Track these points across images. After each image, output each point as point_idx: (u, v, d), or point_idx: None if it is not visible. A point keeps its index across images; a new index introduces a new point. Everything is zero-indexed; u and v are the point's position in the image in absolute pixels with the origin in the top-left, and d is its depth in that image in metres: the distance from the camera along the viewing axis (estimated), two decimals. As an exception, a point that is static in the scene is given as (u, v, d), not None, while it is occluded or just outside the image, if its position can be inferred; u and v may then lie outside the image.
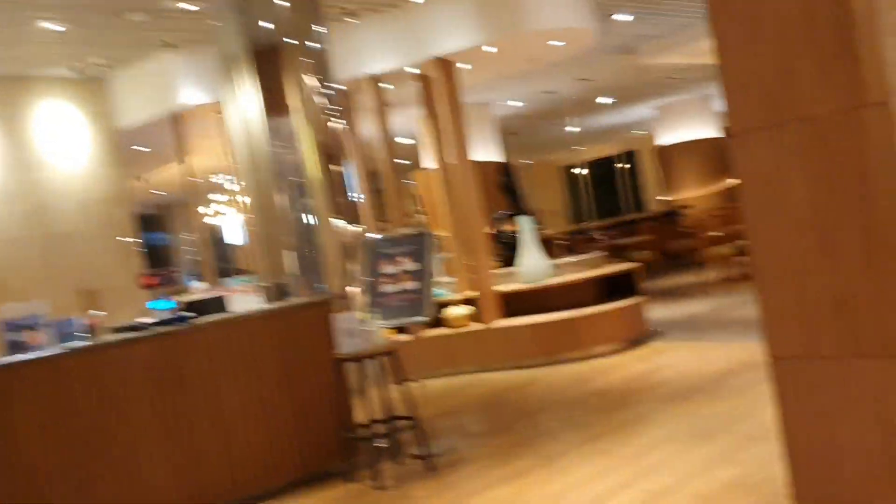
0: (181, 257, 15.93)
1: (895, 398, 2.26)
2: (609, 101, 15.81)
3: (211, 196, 12.00)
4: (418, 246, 4.80)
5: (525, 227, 7.62)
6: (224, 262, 12.64)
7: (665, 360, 6.34)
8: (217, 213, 12.42)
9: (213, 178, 11.06)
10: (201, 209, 10.87)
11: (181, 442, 4.08)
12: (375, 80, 7.97)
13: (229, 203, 11.03)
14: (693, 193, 17.36)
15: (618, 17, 9.02)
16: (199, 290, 8.14)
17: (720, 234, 11.23)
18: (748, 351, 6.00)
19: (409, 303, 4.81)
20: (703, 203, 16.83)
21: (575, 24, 7.47)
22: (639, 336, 7.30)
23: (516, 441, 4.76)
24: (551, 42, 7.80)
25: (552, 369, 6.74)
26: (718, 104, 18.38)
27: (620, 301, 7.30)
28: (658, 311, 9.00)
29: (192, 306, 4.53)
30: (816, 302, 2.36)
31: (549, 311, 7.35)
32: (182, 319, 4.24)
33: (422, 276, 4.77)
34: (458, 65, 7.72)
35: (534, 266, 7.46)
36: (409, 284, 4.82)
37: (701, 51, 11.70)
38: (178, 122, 8.17)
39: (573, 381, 6.16)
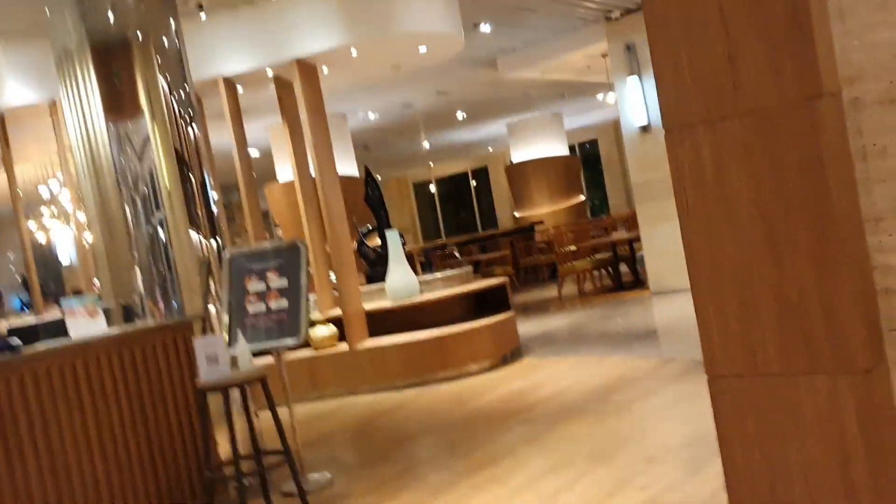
0: (5, 277, 14.40)
1: (849, 417, 2.08)
2: (463, 115, 15.80)
3: (42, 208, 10.85)
4: (289, 260, 4.33)
5: (392, 243, 7.27)
6: (58, 281, 11.45)
7: (541, 376, 6.16)
8: (48, 226, 11.24)
9: (45, 188, 9.97)
10: (31, 223, 9.78)
11: (7, 490, 3.41)
12: (230, 82, 7.39)
13: (64, 216, 9.99)
14: (545, 210, 17.65)
15: (483, 27, 8.90)
16: (28, 313, 7.19)
17: (574, 248, 11.35)
18: (623, 365, 5.93)
19: (279, 323, 4.33)
20: (555, 219, 17.16)
21: (444, 29, 7.23)
22: (511, 352, 7.11)
23: (396, 472, 4.38)
24: (420, 47, 7.53)
25: (425, 390, 6.42)
26: (568, 122, 18.86)
27: (491, 317, 7.09)
28: (521, 327, 8.90)
29: (21, 332, 3.86)
30: (761, 313, 2.15)
31: (419, 329, 7.03)
32: (8, 347, 3.57)
33: (293, 293, 4.30)
34: (321, 68, 7.30)
35: (402, 283, 7.11)
36: (279, 303, 4.35)
37: (555, 67, 11.86)
38: (1, 123, 7.23)
39: (449, 402, 5.86)
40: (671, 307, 8.49)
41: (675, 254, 8.57)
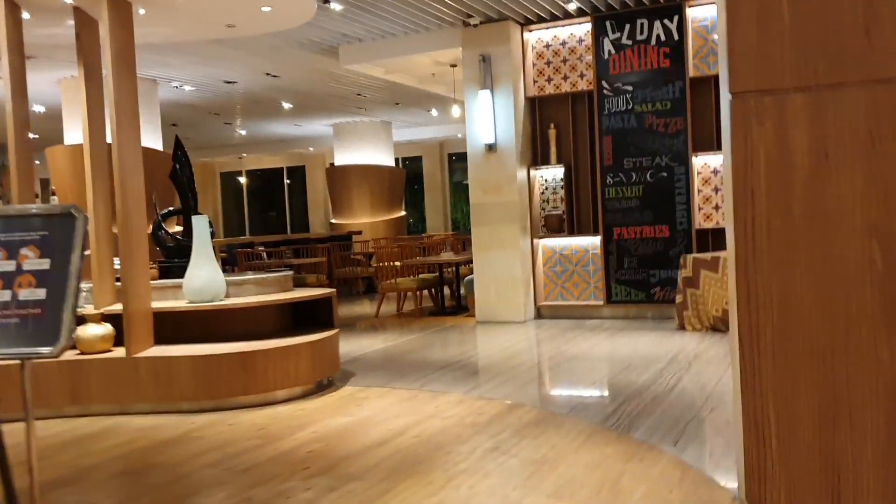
0: None
1: None
2: (289, 106, 14.52)
3: None
4: (58, 233, 3.03)
5: (199, 231, 5.98)
6: None
7: (367, 412, 5.14)
8: None
9: None
10: None
11: None
12: (12, 3, 5.80)
13: None
14: (364, 220, 16.70)
15: (333, 4, 7.82)
16: None
17: (397, 264, 10.47)
18: (464, 406, 5.05)
19: (29, 322, 3.02)
20: (374, 231, 16.24)
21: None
22: (328, 378, 6.04)
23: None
24: (263, 7, 6.33)
25: (220, 418, 5.20)
26: (395, 134, 18.04)
27: (312, 334, 5.99)
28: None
29: None
30: (858, 436, 1.30)
31: (220, 340, 5.79)
32: None
33: (57, 280, 3.02)
34: (136, 8, 5.91)
35: (205, 281, 5.84)
36: (33, 293, 3.04)
37: (400, 67, 10.98)
38: None
39: (252, 438, 4.69)
40: (501, 340, 7.78)
41: (506, 283, 7.80)
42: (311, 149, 21.23)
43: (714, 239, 8.42)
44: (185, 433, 4.86)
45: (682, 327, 7.73)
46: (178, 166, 6.65)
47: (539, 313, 9.16)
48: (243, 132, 18.23)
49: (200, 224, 6.01)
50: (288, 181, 23.37)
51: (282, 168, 23.25)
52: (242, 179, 23.88)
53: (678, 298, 7.79)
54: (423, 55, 9.99)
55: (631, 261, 8.70)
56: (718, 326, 7.46)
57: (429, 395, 5.51)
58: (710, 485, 3.49)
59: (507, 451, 4.12)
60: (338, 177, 17.01)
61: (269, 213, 23.79)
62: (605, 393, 5.37)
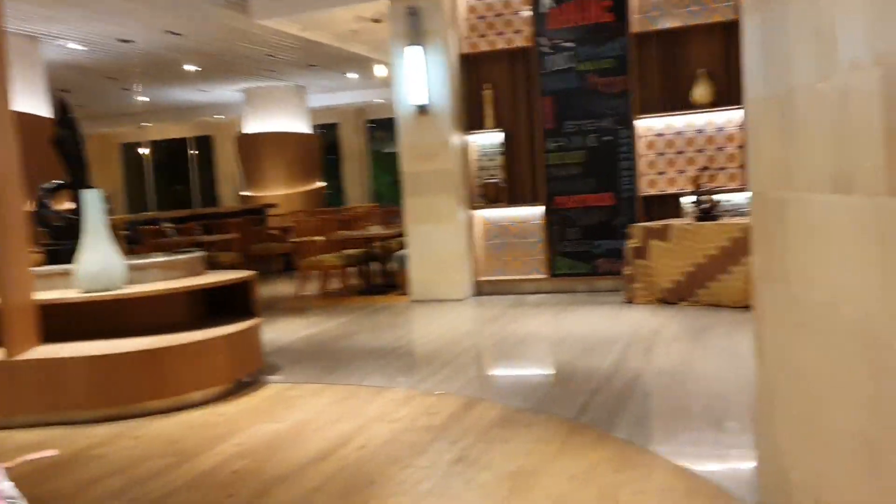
0: None
1: None
2: (194, 68, 13.37)
3: None
4: None
5: (91, 208, 5.06)
6: None
7: (298, 415, 4.41)
8: None
9: None
10: None
11: None
12: None
13: None
14: (279, 192, 15.72)
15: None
16: None
17: (322, 240, 9.66)
18: (415, 404, 4.37)
19: None
20: (290, 204, 15.32)
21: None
22: (251, 374, 5.26)
23: None
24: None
25: (125, 428, 4.37)
26: (310, 100, 17.04)
27: (229, 325, 5.19)
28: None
29: None
30: None
31: (121, 335, 4.93)
32: None
33: None
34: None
35: (101, 266, 4.96)
36: None
37: (318, 23, 10.07)
38: None
39: (164, 454, 3.90)
40: (441, 322, 7.12)
41: (442, 259, 7.10)
42: (219, 116, 19.97)
43: (660, 206, 7.94)
44: (80, 451, 4.02)
45: (630, 301, 7.23)
46: (62, 132, 5.67)
47: (478, 290, 8.54)
48: (145, 99, 16.89)
49: (91, 200, 5.09)
50: (195, 152, 22.02)
51: (187, 138, 21.89)
52: (145, 151, 22.39)
53: (626, 270, 7.29)
54: (345, 9, 9.14)
55: (574, 231, 8.14)
56: (668, 299, 7.00)
57: (370, 392, 4.80)
58: (728, 499, 2.92)
59: (475, 461, 3.47)
60: (249, 145, 15.95)
61: (176, 186, 22.40)
62: (570, 381, 4.78)
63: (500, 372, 5.32)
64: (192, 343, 4.80)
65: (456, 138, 8.31)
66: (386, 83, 13.09)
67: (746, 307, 6.50)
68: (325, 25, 10.08)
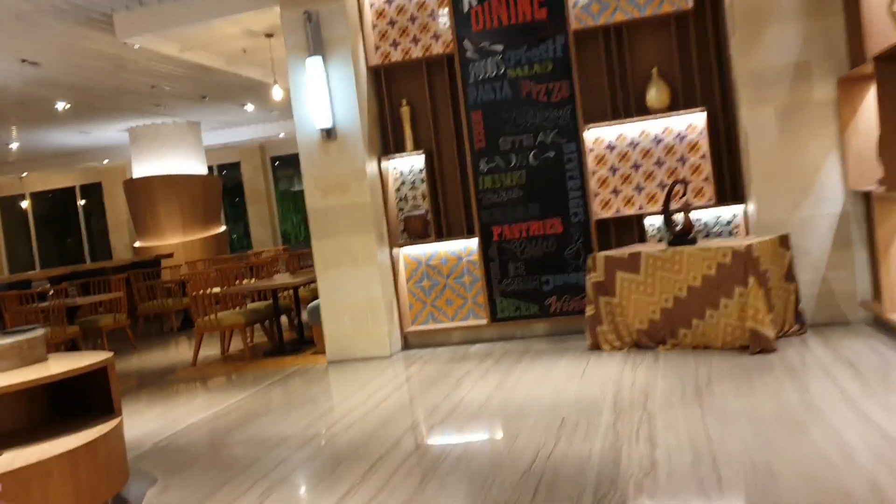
0: None
1: None
2: (66, 105, 11.68)
3: None
4: None
5: None
6: None
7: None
8: None
9: None
10: None
11: None
12: None
13: None
14: (175, 240, 14.04)
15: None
16: None
17: (218, 291, 8.17)
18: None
19: None
20: (189, 253, 13.67)
21: None
22: (111, 498, 3.75)
23: None
24: None
25: None
26: (206, 138, 15.49)
27: (77, 429, 3.71)
28: (134, 423, 5.51)
29: None
30: None
31: None
32: None
33: None
34: None
35: None
36: None
37: (198, 41, 8.62)
38: None
39: None
40: (365, 391, 5.72)
41: (361, 309, 5.40)
42: (105, 161, 18.11)
43: (619, 231, 6.78)
44: None
45: (596, 346, 6.00)
46: None
47: (407, 343, 7.18)
48: (13, 146, 14.98)
49: None
50: (82, 202, 20.03)
51: (74, 187, 19.90)
52: (26, 204, 20.27)
53: (588, 310, 6.05)
54: (229, 22, 7.75)
55: (517, 267, 6.89)
56: (644, 342, 5.79)
57: (273, 520, 3.37)
58: None
59: None
60: (139, 191, 14.24)
61: (66, 240, 20.30)
62: (555, 487, 3.44)
63: (450, 478, 3.91)
64: (18, 470, 3.29)
65: (370, 165, 6.99)
66: (288, 113, 11.70)
67: (743, 347, 5.33)
68: (209, 44, 8.66)
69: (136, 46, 8.24)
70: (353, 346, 6.95)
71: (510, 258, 6.90)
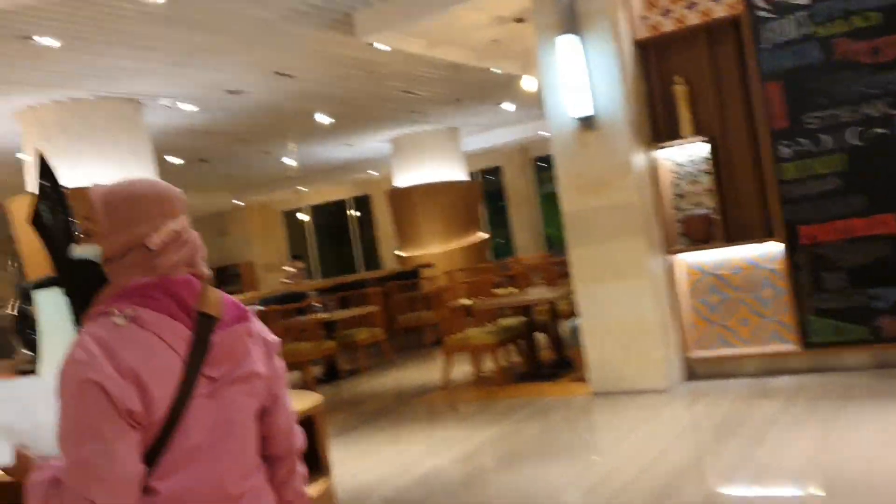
0: None
1: None
2: (328, 120, 11.72)
3: None
4: None
5: (46, 313, 3.07)
6: None
7: None
8: None
9: None
10: None
11: None
12: None
13: None
14: (436, 249, 13.72)
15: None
16: None
17: (469, 304, 7.40)
18: None
19: None
20: (450, 262, 13.23)
21: None
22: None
23: None
24: None
25: None
26: (464, 143, 15.07)
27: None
28: (378, 459, 4.83)
29: None
30: None
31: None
32: None
33: None
34: None
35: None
36: None
37: (443, 34, 7.94)
38: None
39: None
40: (636, 436, 4.57)
41: (630, 330, 4.28)
42: (372, 172, 18.47)
43: (984, 228, 5.00)
44: None
45: (958, 388, 4.34)
46: (44, 206, 3.78)
47: (690, 372, 5.89)
48: (291, 162, 15.60)
49: (47, 302, 3.10)
50: (357, 213, 20.70)
51: (345, 199, 20.64)
52: (305, 217, 21.39)
53: (945, 338, 4.41)
54: (474, 7, 6.97)
55: (836, 277, 5.34)
56: None
57: None
58: None
59: None
60: (401, 200, 14.13)
61: (340, 251, 21.16)
62: None
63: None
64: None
65: (638, 157, 5.81)
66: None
67: None
68: (456, 38, 7.96)
69: (382, 47, 7.76)
70: (621, 375, 5.81)
71: (826, 266, 5.36)
